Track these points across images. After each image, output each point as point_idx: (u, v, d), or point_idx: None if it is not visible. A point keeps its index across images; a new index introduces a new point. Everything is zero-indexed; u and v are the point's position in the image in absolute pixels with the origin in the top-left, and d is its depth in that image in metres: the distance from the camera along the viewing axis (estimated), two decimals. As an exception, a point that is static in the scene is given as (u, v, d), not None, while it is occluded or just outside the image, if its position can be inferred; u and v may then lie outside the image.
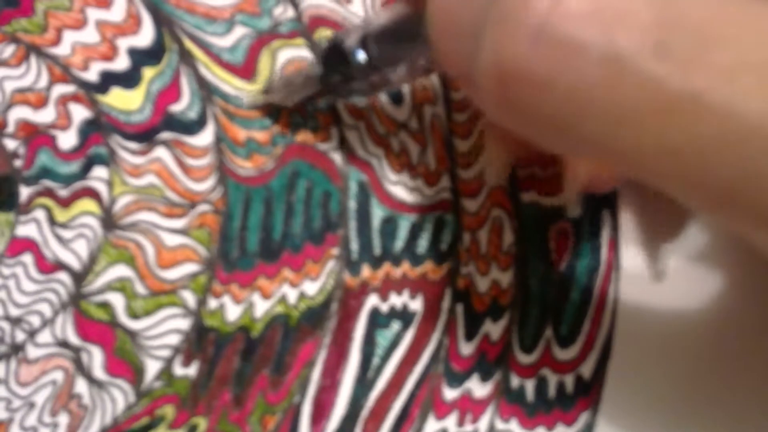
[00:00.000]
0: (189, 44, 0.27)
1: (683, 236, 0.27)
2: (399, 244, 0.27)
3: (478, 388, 0.26)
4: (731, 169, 0.16)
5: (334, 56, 0.25)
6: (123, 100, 0.27)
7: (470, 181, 0.27)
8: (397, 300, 0.26)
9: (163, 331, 0.26)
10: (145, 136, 0.27)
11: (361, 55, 0.24)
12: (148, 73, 0.27)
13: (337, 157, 0.27)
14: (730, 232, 0.26)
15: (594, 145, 0.17)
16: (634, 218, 0.27)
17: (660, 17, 0.16)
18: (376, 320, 0.26)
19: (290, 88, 0.26)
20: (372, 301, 0.26)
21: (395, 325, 0.26)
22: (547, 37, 0.17)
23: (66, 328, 0.25)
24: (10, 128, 0.26)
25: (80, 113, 0.27)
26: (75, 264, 0.26)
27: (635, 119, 0.17)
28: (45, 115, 0.26)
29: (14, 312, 0.25)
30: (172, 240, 0.26)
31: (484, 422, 0.26)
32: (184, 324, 0.26)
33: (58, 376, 0.25)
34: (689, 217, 0.27)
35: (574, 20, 0.17)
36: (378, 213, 0.27)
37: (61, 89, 0.27)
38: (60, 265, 0.26)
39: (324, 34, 0.28)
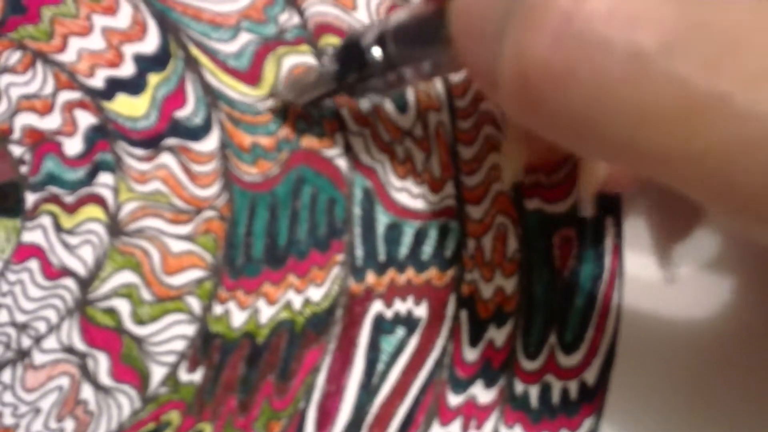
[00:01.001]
0: (194, 50, 0.27)
1: (690, 242, 0.27)
2: (403, 250, 0.27)
3: (483, 394, 0.26)
4: (756, 175, 0.16)
5: (350, 53, 0.24)
6: (129, 107, 0.27)
7: (475, 188, 0.27)
8: (401, 306, 0.26)
9: (169, 337, 0.26)
10: (151, 142, 0.27)
11: (378, 53, 0.24)
12: (153, 79, 0.27)
13: (342, 164, 0.27)
14: (743, 238, 0.26)
15: (617, 147, 0.17)
16: (644, 221, 0.27)
17: (682, 17, 0.16)
18: (381, 326, 0.26)
19: (304, 86, 0.26)
20: (376, 307, 0.26)
21: (400, 332, 0.26)
22: (570, 35, 0.17)
23: (72, 334, 0.26)
24: (17, 135, 0.26)
25: (86, 120, 0.27)
26: (81, 270, 0.26)
27: (659, 120, 0.16)
28: (51, 122, 0.27)
29: (20, 318, 0.25)
30: (177, 246, 0.26)
31: (488, 428, 0.26)
32: (190, 330, 0.26)
33: (64, 382, 0.25)
34: (698, 219, 0.27)
35: (598, 18, 0.17)
36: (383, 219, 0.27)
37: (67, 96, 0.27)
38: (66, 272, 0.26)
39: (329, 41, 0.28)
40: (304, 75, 0.26)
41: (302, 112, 0.27)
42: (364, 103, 0.27)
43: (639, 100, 0.16)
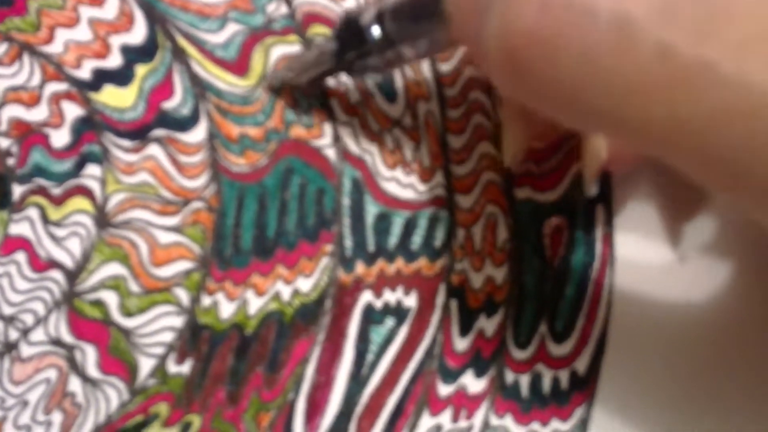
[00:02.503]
0: (182, 41, 0.27)
1: (689, 226, 0.27)
2: (393, 240, 0.27)
3: (473, 384, 0.26)
4: (740, 142, 0.16)
5: (349, 32, 0.24)
6: (116, 98, 0.27)
7: (464, 178, 0.27)
8: (391, 296, 0.26)
9: (157, 329, 0.26)
10: (139, 133, 0.27)
11: (377, 31, 0.24)
12: (141, 70, 0.27)
13: (331, 154, 0.27)
14: (736, 213, 0.26)
15: (603, 116, 0.17)
16: (654, 200, 0.27)
17: None
18: (371, 317, 0.26)
19: (304, 64, 0.26)
20: (366, 297, 0.26)
21: (389, 322, 0.26)
22: (555, 3, 0.17)
23: (60, 326, 0.25)
24: (3, 127, 0.26)
25: (73, 111, 0.26)
26: (68, 262, 0.26)
27: (645, 88, 0.16)
28: (38, 114, 0.26)
29: (7, 310, 0.25)
30: (165, 238, 0.26)
31: (479, 418, 0.26)
32: (178, 322, 0.26)
33: (52, 374, 0.25)
34: (706, 198, 0.27)
35: None
36: (372, 210, 0.27)
37: (54, 87, 0.27)
38: (53, 264, 0.26)
39: (317, 30, 0.27)
40: (304, 53, 0.26)
41: (291, 101, 0.27)
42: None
43: (624, 69, 0.16)
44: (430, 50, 0.24)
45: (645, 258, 0.27)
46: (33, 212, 0.26)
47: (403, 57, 0.24)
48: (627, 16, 0.16)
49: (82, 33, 0.27)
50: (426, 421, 0.26)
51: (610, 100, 0.17)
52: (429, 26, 0.23)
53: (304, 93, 0.27)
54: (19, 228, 0.26)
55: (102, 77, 0.27)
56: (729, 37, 0.16)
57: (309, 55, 0.26)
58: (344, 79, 0.27)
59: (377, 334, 0.26)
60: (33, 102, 0.26)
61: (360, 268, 0.26)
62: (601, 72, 0.17)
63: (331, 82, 0.27)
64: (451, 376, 0.26)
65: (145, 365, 0.25)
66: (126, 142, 0.26)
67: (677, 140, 0.17)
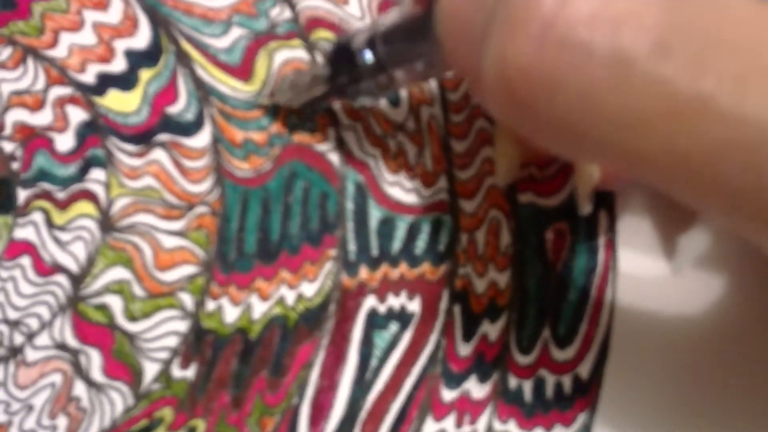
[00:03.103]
0: (186, 46, 0.27)
1: (687, 235, 0.27)
2: (396, 245, 0.27)
3: (476, 389, 0.26)
4: (740, 176, 0.16)
5: (341, 57, 0.25)
6: (120, 102, 0.27)
7: (467, 182, 0.27)
8: (394, 301, 0.26)
9: (161, 333, 0.26)
10: (143, 137, 0.27)
11: (369, 56, 0.24)
12: (145, 74, 0.27)
13: (335, 158, 0.27)
14: (736, 236, 0.26)
15: (602, 150, 0.17)
16: (639, 214, 0.27)
17: (665, 19, 0.16)
18: (374, 321, 0.26)
19: (297, 88, 0.26)
20: (370, 302, 0.26)
21: (393, 327, 0.26)
22: (553, 39, 0.17)
23: (64, 330, 0.25)
24: (8, 131, 0.26)
25: (77, 115, 0.27)
26: (73, 266, 0.26)
27: (644, 123, 0.16)
28: (42, 118, 0.26)
29: (12, 315, 0.25)
30: (169, 242, 0.26)
31: (482, 423, 0.26)
32: (182, 326, 0.26)
33: (57, 378, 0.25)
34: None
35: (580, 22, 0.16)
36: (375, 214, 0.27)
37: (58, 91, 0.27)
38: (58, 268, 0.26)
39: (321, 35, 0.28)
40: (298, 77, 0.26)
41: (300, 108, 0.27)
42: (358, 104, 0.27)
43: (623, 104, 0.16)
44: (423, 75, 0.24)
45: (648, 264, 0.27)
46: (37, 216, 0.26)
47: (395, 81, 0.24)
48: (623, 53, 0.16)
49: (86, 37, 0.27)
50: (429, 426, 0.26)
51: (609, 134, 0.17)
52: (420, 50, 0.23)
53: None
54: (23, 232, 0.26)
55: (106, 81, 0.27)
56: (726, 72, 0.16)
57: (302, 79, 0.26)
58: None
59: (381, 339, 0.26)
60: (37, 106, 0.26)
61: (364, 272, 0.26)
62: (599, 107, 0.17)
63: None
64: (454, 380, 0.26)
65: (150, 370, 0.25)
66: (130, 147, 0.26)
67: (677, 173, 0.17)
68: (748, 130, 0.16)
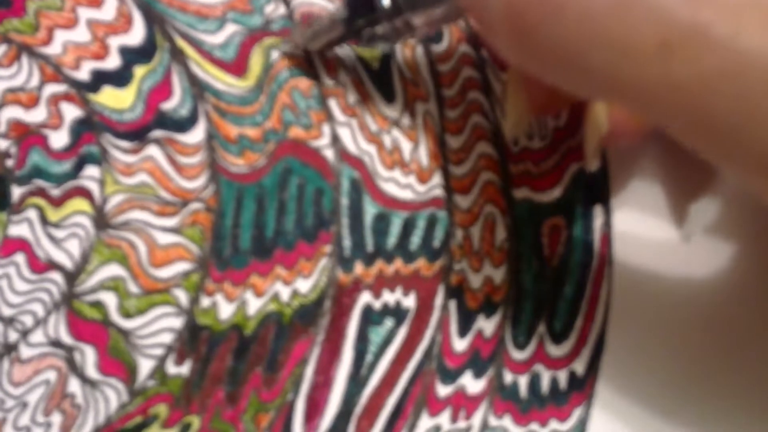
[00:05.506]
0: (180, 42, 0.27)
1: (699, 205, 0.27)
2: (392, 241, 0.27)
3: (472, 384, 0.26)
4: (733, 104, 0.16)
5: (359, 0, 0.25)
6: (115, 99, 0.27)
7: (463, 178, 0.27)
8: (390, 297, 0.26)
9: (156, 330, 0.26)
10: (137, 134, 0.27)
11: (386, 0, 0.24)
12: (139, 71, 0.27)
13: (330, 154, 0.27)
14: (743, 199, 0.26)
15: (600, 78, 0.18)
16: (658, 179, 0.27)
17: None
18: (369, 317, 0.26)
19: (316, 31, 0.26)
20: (365, 298, 0.26)
21: (388, 322, 0.26)
22: None
23: (59, 327, 0.25)
24: (2, 128, 0.26)
25: (72, 112, 0.26)
26: (67, 263, 0.26)
27: (641, 51, 0.17)
28: (37, 115, 0.26)
29: (7, 312, 0.25)
30: (164, 238, 0.26)
31: (477, 418, 0.26)
32: (177, 323, 0.26)
33: (51, 375, 0.25)
34: (712, 177, 0.27)
35: None
36: (370, 210, 0.27)
37: (53, 88, 0.27)
38: (52, 265, 0.26)
39: (315, 31, 0.27)
40: (317, 20, 0.26)
41: (290, 101, 0.27)
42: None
43: (623, 31, 0.17)
44: (438, 20, 0.24)
45: (646, 236, 0.27)
46: (32, 213, 0.26)
47: (411, 26, 0.24)
48: None
49: (81, 34, 0.27)
50: (425, 422, 0.26)
51: (608, 61, 0.17)
52: None
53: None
54: (18, 229, 0.26)
55: (101, 78, 0.27)
56: (723, 3, 0.16)
57: (320, 22, 0.26)
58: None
59: (376, 335, 0.26)
60: (32, 103, 0.26)
61: (359, 268, 0.26)
62: (599, 34, 0.17)
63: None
64: (449, 376, 0.26)
65: (145, 366, 0.25)
66: (125, 143, 0.26)
67: (672, 103, 0.17)
68: (740, 59, 0.16)
